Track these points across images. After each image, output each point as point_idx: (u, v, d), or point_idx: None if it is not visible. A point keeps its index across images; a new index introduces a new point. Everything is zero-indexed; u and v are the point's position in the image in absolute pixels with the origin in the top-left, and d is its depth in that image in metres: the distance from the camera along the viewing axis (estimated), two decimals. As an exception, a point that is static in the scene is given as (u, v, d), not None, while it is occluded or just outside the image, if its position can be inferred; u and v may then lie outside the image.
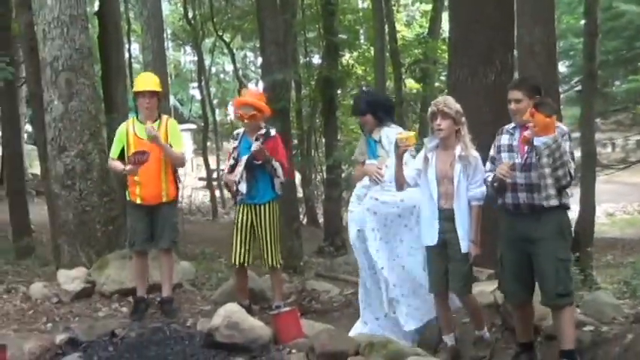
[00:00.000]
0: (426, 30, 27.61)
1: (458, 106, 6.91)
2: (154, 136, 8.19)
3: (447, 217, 6.93)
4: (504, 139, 6.55)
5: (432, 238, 7.04)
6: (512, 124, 6.58)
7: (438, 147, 7.03)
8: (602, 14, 20.32)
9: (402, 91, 24.26)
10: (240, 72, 39.67)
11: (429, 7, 28.89)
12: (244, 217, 8.37)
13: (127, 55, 25.90)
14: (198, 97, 42.48)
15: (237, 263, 8.44)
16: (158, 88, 8.60)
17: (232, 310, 6.84)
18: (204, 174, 34.47)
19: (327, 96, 24.27)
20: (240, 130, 8.63)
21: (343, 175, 23.13)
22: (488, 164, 6.67)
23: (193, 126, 47.59)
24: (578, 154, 16.30)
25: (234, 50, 36.30)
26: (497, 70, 10.05)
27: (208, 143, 33.84)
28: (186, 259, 12.13)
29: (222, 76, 56.05)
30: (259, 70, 33.00)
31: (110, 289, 9.28)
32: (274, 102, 15.31)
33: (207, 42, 36.74)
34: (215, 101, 38.04)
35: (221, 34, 31.80)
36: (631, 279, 10.02)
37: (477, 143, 6.98)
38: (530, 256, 6.37)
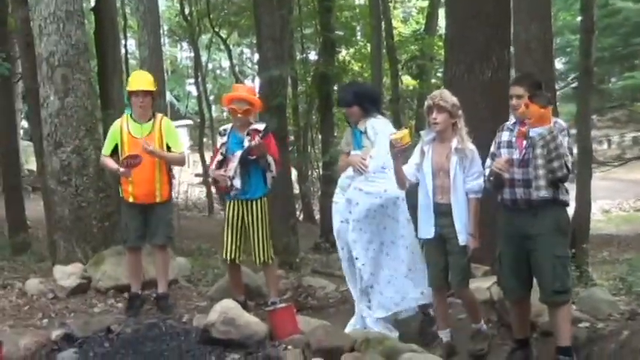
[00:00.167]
0: (423, 26, 27.62)
1: (454, 100, 6.91)
2: (150, 151, 8.21)
3: (443, 211, 6.93)
4: (505, 136, 6.55)
5: (428, 231, 7.05)
6: (513, 121, 6.58)
7: (434, 140, 7.05)
8: (598, 11, 20.39)
9: (399, 88, 24.28)
10: (237, 68, 39.60)
11: (425, 3, 28.94)
12: (236, 213, 8.36)
13: (123, 51, 25.83)
14: (194, 93, 42.48)
15: (228, 259, 8.44)
16: (152, 88, 8.60)
17: (228, 306, 6.83)
18: (200, 170, 34.44)
19: (323, 92, 24.28)
20: (228, 126, 8.60)
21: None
22: (488, 160, 6.66)
23: (189, 122, 47.54)
24: (574, 150, 16.34)
25: (231, 46, 36.25)
26: (493, 67, 10.05)
27: (204, 139, 33.77)
28: (182, 255, 12.15)
29: (218, 72, 55.92)
30: (256, 67, 32.90)
31: (106, 285, 9.29)
32: (271, 98, 15.34)
33: (204, 38, 36.64)
34: (211, 97, 37.89)
35: (218, 30, 31.73)
36: (627, 275, 10.05)
37: (474, 136, 7.00)
38: (528, 253, 6.37)
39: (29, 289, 9.25)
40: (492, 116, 9.17)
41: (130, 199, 8.45)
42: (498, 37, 10.20)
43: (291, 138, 25.42)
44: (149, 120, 8.50)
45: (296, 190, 24.67)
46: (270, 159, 8.25)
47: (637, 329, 6.59)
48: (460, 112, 6.94)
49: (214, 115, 37.94)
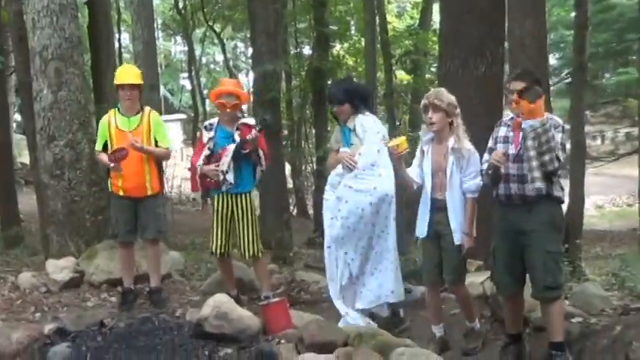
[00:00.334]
0: (417, 21, 27.63)
1: (451, 99, 6.92)
2: (139, 148, 8.21)
3: (439, 207, 6.98)
4: (502, 131, 6.56)
5: (422, 229, 7.09)
6: (510, 116, 6.59)
7: (433, 139, 7.07)
8: (592, 7, 20.43)
9: (393, 83, 24.26)
10: (231, 62, 39.66)
11: (419, -2, 28.95)
12: (225, 207, 8.35)
13: (117, 44, 25.81)
14: (188, 87, 42.44)
15: (218, 253, 8.45)
16: (139, 81, 8.60)
17: (221, 300, 6.82)
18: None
19: (317, 87, 24.22)
20: (214, 121, 8.57)
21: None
22: (485, 155, 6.67)
23: (183, 116, 47.54)
24: (568, 146, 16.36)
25: (225, 40, 36.23)
26: (487, 62, 10.06)
27: (198, 133, 33.75)
28: (175, 249, 12.12)
29: (212, 66, 55.95)
30: (250, 61, 32.89)
31: (99, 278, 9.27)
32: (265, 92, 15.33)
33: (198, 32, 36.67)
34: (205, 91, 37.83)
35: (211, 24, 31.73)
36: (619, 271, 10.06)
37: (471, 134, 7.01)
38: (522, 248, 6.38)
39: (22, 283, 9.22)
40: (486, 111, 9.19)
41: (120, 193, 8.45)
42: (492, 32, 10.22)
43: (285, 132, 25.40)
44: (137, 113, 8.50)
45: (290, 184, 24.67)
46: (261, 153, 8.26)
47: (629, 324, 6.60)
48: (457, 110, 6.95)
49: (208, 109, 37.91)
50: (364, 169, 7.55)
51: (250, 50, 24.64)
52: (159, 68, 24.57)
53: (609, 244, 21.76)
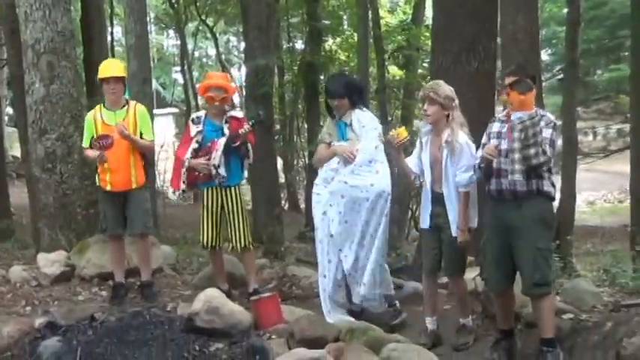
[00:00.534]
0: (410, 17, 27.56)
1: (448, 92, 6.97)
2: (126, 135, 8.20)
3: (438, 200, 7.05)
4: (495, 127, 6.58)
5: (425, 220, 7.17)
6: (504, 112, 6.60)
7: (432, 131, 7.10)
8: (585, 3, 20.43)
9: (385, 78, 24.22)
10: (223, 56, 39.52)
11: (412, -7, 28.89)
12: (214, 201, 8.38)
13: (109, 38, 25.72)
14: (180, 81, 42.23)
15: (209, 246, 8.49)
16: (122, 74, 8.59)
17: (213, 295, 6.83)
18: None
19: (309, 81, 24.24)
20: (201, 114, 8.60)
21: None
22: (479, 151, 6.69)
23: (175, 110, 47.43)
24: (559, 142, 16.37)
25: (217, 34, 36.12)
26: (480, 57, 10.05)
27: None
28: (167, 243, 12.13)
29: (204, 60, 55.76)
30: (242, 55, 32.85)
31: (90, 272, 9.27)
32: (257, 87, 15.32)
33: (191, 26, 36.53)
34: (197, 85, 37.69)
35: (204, 18, 31.65)
36: (610, 267, 10.09)
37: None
38: (512, 244, 6.39)
39: (12, 277, 9.21)
40: (479, 106, 9.19)
41: (108, 187, 8.44)
42: (485, 27, 10.20)
43: (277, 127, 25.39)
44: (122, 107, 8.50)
45: (281, 179, 24.67)
46: (249, 146, 8.31)
47: (620, 321, 6.62)
48: (454, 103, 6.98)
49: (200, 103, 37.82)
50: (361, 165, 7.56)
51: (243, 45, 24.66)
52: (151, 62, 24.51)
53: (600, 240, 21.81)
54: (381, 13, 26.75)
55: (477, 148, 6.76)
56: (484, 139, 6.66)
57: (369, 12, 21.28)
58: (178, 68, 43.11)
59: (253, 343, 6.33)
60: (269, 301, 7.26)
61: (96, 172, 8.58)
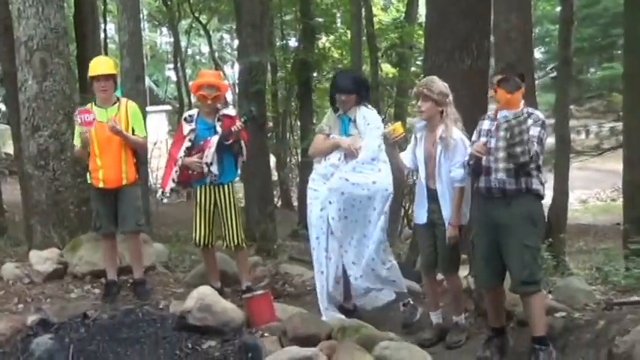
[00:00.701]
0: (403, 14, 27.56)
1: (442, 88, 7.01)
2: (117, 131, 8.19)
3: (433, 196, 7.08)
4: (486, 124, 6.60)
5: (421, 216, 7.19)
6: (494, 110, 6.61)
7: (426, 127, 7.13)
8: (578, 1, 20.50)
9: (379, 76, 24.25)
10: (217, 54, 39.52)
11: (406, -9, 28.89)
12: (207, 198, 8.39)
13: (102, 35, 25.70)
14: (173, 78, 42.29)
15: (202, 244, 8.49)
16: (113, 71, 8.59)
17: (205, 292, 6.82)
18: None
19: (302, 79, 24.24)
20: (193, 112, 8.60)
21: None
22: (469, 148, 6.70)
23: (168, 107, 47.40)
24: (552, 140, 16.41)
25: (211, 32, 36.16)
26: (473, 56, 10.05)
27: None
28: (159, 241, 12.10)
29: (198, 57, 55.78)
30: (235, 53, 32.86)
31: (83, 270, 9.23)
32: (250, 84, 15.32)
33: (184, 23, 36.56)
34: (191, 83, 37.77)
35: (197, 15, 31.67)
36: (603, 265, 10.12)
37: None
38: (501, 242, 6.41)
39: (5, 274, 9.18)
40: (472, 104, 9.18)
41: (100, 185, 8.41)
42: (478, 26, 10.20)
43: (270, 124, 25.40)
44: (113, 104, 8.49)
45: (274, 176, 24.67)
46: (242, 144, 8.32)
47: (613, 319, 6.64)
48: (448, 99, 7.01)
49: (193, 100, 37.85)
50: (363, 162, 7.55)
51: (236, 42, 24.68)
52: (144, 59, 24.50)
53: (593, 238, 21.83)
54: (375, 10, 26.80)
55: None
56: (474, 137, 6.69)
57: (363, 10, 21.29)
58: (171, 66, 43.12)
59: (246, 341, 6.33)
60: (262, 298, 7.26)
61: (87, 170, 8.56)
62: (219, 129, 8.22)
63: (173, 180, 8.27)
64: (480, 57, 10.09)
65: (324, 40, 27.32)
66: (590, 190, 34.12)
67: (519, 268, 6.30)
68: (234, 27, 24.13)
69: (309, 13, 23.77)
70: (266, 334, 6.62)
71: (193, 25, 34.93)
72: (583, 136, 28.21)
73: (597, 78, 30.79)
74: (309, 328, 6.46)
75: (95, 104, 8.49)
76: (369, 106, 7.95)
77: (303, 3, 23.81)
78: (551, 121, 17.58)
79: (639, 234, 12.79)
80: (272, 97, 26.87)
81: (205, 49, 48.18)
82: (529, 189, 6.32)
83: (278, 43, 27.59)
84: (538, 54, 31.91)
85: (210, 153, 8.11)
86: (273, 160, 24.65)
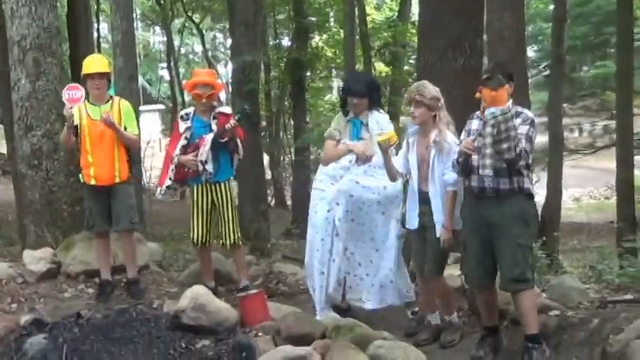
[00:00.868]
0: (396, 13, 27.59)
1: (433, 92, 6.98)
2: (111, 123, 8.18)
3: (425, 199, 7.04)
4: (474, 124, 6.59)
5: (413, 222, 7.17)
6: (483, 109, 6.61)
7: (419, 132, 7.12)
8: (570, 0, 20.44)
9: (372, 75, 24.28)
10: (210, 53, 39.49)
11: (399, -10, 28.91)
12: (204, 197, 8.38)
13: (95, 34, 25.68)
14: (167, 77, 42.30)
15: (199, 243, 8.48)
16: (107, 69, 8.59)
17: (199, 292, 6.81)
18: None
19: (296, 78, 24.27)
20: (190, 110, 8.59)
21: (312, 157, 23.21)
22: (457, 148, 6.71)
23: (162, 106, 47.42)
24: (545, 138, 16.45)
25: (204, 31, 36.12)
26: (466, 54, 10.05)
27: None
28: (153, 240, 12.09)
29: (191, 56, 55.76)
30: (229, 52, 32.88)
31: (76, 269, 9.21)
32: (243, 83, 15.31)
33: (177, 22, 36.54)
34: (184, 82, 37.70)
35: (190, 14, 31.67)
36: (597, 263, 10.12)
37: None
38: (493, 241, 6.42)
39: (-2, 274, 9.18)
40: (465, 103, 9.15)
41: (92, 182, 8.39)
42: (471, 24, 10.20)
43: (264, 123, 25.41)
44: (107, 102, 8.48)
45: (268, 175, 24.68)
46: (238, 141, 8.30)
47: (607, 317, 6.65)
48: (440, 103, 7.00)
49: (187, 99, 37.85)
50: (375, 166, 7.56)
51: (229, 41, 24.67)
52: (137, 58, 24.50)
53: (586, 236, 21.84)
54: (368, 9, 26.85)
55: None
56: (463, 136, 6.69)
57: (356, 9, 21.30)
58: (165, 65, 43.09)
59: (239, 340, 6.32)
60: (255, 298, 7.24)
61: (79, 168, 8.55)
62: (214, 127, 8.21)
63: (170, 178, 8.28)
64: (473, 56, 10.09)
65: (317, 39, 27.37)
66: (584, 189, 34.20)
67: (511, 267, 6.31)
68: (228, 26, 24.15)
69: (302, 12, 23.80)
70: (260, 334, 6.61)
71: (186, 24, 34.93)
72: (576, 134, 28.20)
73: (590, 76, 30.78)
74: (303, 327, 6.46)
75: (89, 102, 8.48)
76: (381, 111, 7.98)
77: (296, 2, 23.82)
78: (544, 119, 17.66)
79: (633, 232, 12.84)
80: (265, 96, 26.90)
81: (198, 48, 48.29)
82: (521, 188, 6.33)
83: (271, 42, 27.63)
84: (531, 52, 31.92)
85: (204, 151, 8.11)
86: (266, 158, 24.66)
